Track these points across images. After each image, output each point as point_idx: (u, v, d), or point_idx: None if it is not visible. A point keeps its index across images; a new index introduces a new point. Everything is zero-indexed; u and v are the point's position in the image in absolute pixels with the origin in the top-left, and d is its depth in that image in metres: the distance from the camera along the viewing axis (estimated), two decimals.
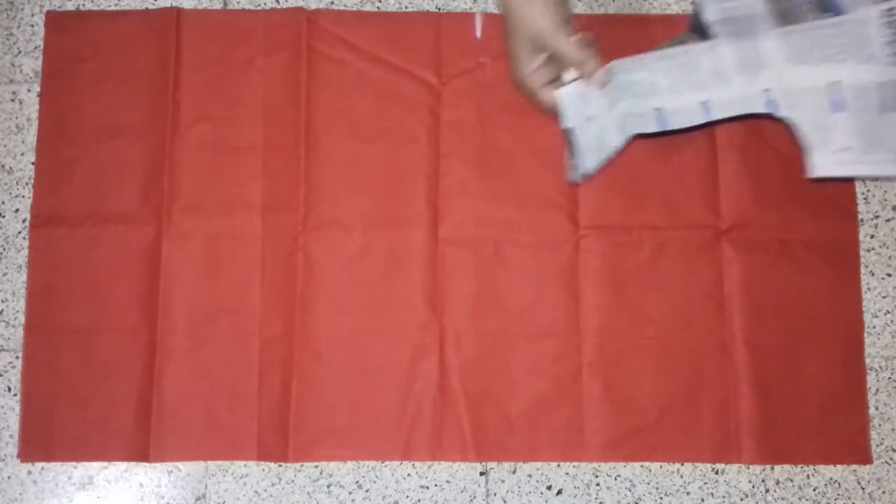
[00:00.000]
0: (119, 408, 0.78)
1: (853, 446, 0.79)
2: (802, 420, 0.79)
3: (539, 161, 0.82)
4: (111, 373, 0.79)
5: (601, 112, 0.76)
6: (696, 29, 0.75)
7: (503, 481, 0.79)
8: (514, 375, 0.79)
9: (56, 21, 0.84)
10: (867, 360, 0.80)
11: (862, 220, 0.83)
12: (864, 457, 0.79)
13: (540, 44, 0.74)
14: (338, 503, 0.78)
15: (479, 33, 0.84)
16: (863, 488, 0.79)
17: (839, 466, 0.79)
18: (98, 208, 0.81)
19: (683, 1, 0.86)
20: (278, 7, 0.85)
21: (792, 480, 0.79)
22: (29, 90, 0.84)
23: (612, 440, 0.78)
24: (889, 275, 0.82)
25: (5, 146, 0.83)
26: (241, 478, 0.78)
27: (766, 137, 0.83)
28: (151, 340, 0.79)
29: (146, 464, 0.78)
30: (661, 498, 0.78)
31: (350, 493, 0.78)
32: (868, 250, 0.82)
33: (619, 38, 0.84)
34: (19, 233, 0.82)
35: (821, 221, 0.82)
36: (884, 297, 0.82)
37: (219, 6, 0.85)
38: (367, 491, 0.78)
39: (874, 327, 0.81)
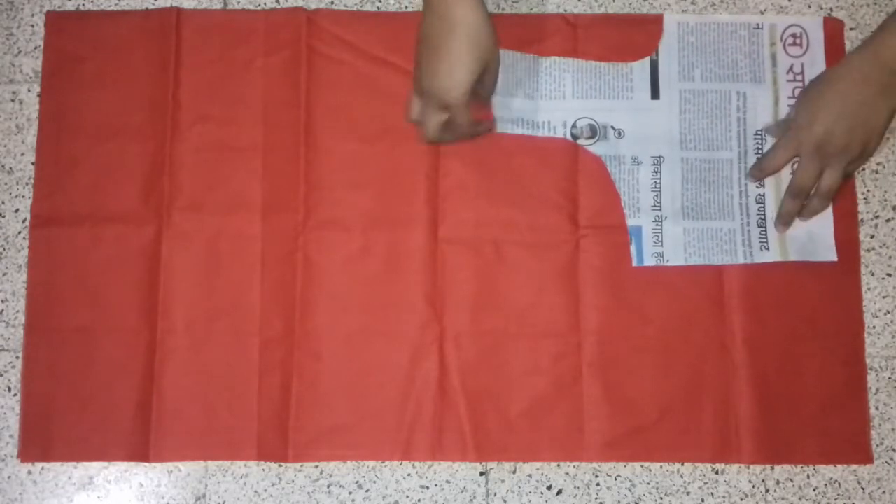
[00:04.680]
0: (119, 408, 0.78)
1: (853, 446, 0.79)
2: (802, 420, 0.79)
3: (539, 161, 0.82)
4: (111, 373, 0.79)
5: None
6: None
7: (503, 481, 0.78)
8: (514, 375, 0.79)
9: (56, 21, 0.84)
10: (867, 360, 0.80)
11: (862, 220, 0.83)
12: (864, 457, 0.79)
13: (490, 64, 0.73)
14: (338, 503, 0.78)
15: None
16: (863, 488, 0.79)
17: (839, 466, 0.79)
18: (98, 208, 0.81)
19: (683, 0, 0.86)
20: (278, 7, 0.85)
21: (792, 480, 0.79)
22: (29, 90, 0.84)
23: (612, 440, 0.78)
24: (889, 275, 0.82)
25: (5, 146, 0.83)
26: (241, 478, 0.78)
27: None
28: (151, 340, 0.79)
29: (146, 464, 0.78)
30: (661, 498, 0.78)
31: (350, 493, 0.78)
32: (868, 250, 0.82)
33: (619, 37, 0.84)
34: (19, 233, 0.82)
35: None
36: (884, 297, 0.82)
37: (219, 6, 0.85)
38: (367, 491, 0.78)
39: (874, 327, 0.81)
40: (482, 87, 0.76)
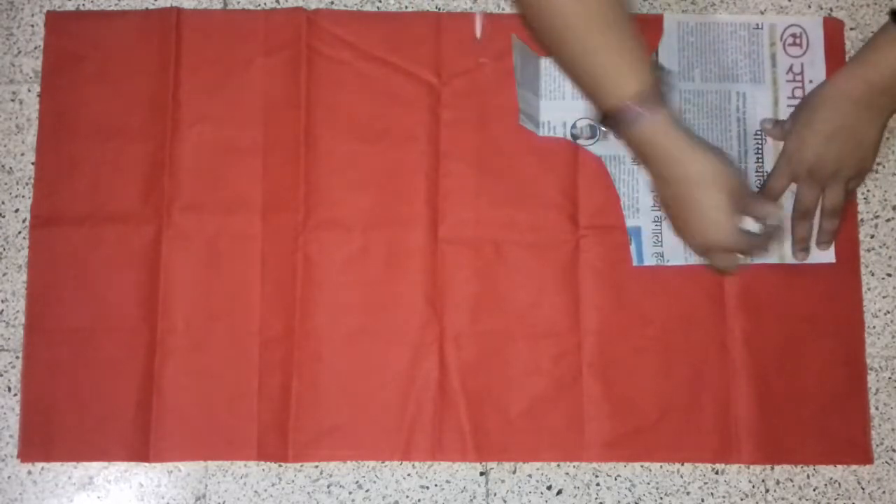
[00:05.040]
0: (119, 408, 0.78)
1: (853, 446, 0.79)
2: (802, 420, 0.79)
3: (539, 161, 0.82)
4: (111, 373, 0.79)
5: None
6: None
7: (503, 481, 0.79)
8: (514, 375, 0.79)
9: (56, 21, 0.84)
10: (867, 360, 0.80)
11: (862, 220, 0.83)
12: (864, 457, 0.79)
13: (741, 197, 0.71)
14: (338, 503, 0.78)
15: (478, 33, 0.84)
16: (863, 488, 0.79)
17: (839, 466, 0.79)
18: (98, 208, 0.81)
19: (683, 0, 0.86)
20: (278, 7, 0.85)
21: (792, 480, 0.79)
22: (29, 90, 0.84)
23: (612, 440, 0.78)
24: (889, 275, 0.82)
25: (5, 146, 0.83)
26: (241, 478, 0.78)
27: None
28: (151, 340, 0.79)
29: (146, 464, 0.78)
30: (661, 498, 0.78)
31: (350, 493, 0.78)
32: (868, 250, 0.82)
33: None
34: (19, 233, 0.82)
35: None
36: (884, 297, 0.82)
37: (219, 6, 0.85)
38: (367, 491, 0.78)
39: (874, 327, 0.81)
40: (745, 202, 0.73)
